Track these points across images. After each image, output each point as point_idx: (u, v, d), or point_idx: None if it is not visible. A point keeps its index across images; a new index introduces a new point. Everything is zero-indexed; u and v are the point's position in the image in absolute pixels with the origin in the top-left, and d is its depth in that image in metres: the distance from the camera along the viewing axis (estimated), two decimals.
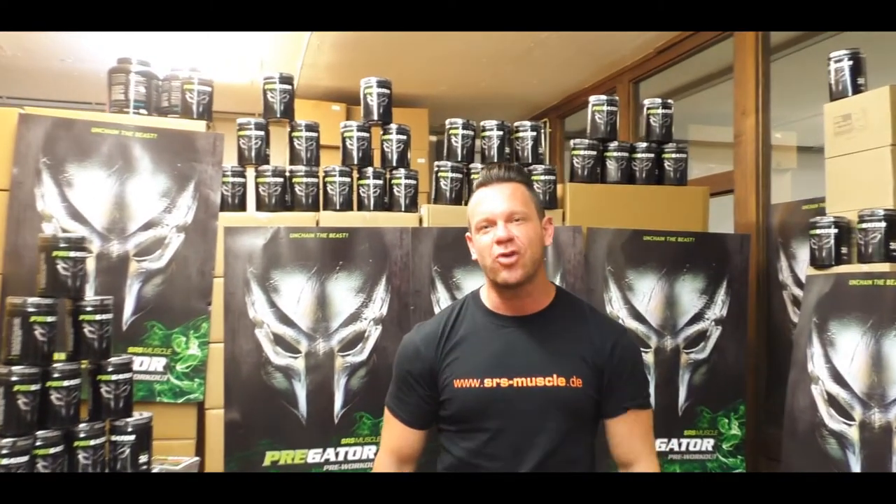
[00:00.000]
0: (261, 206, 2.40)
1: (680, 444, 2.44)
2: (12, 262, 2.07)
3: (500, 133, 2.59)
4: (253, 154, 2.43)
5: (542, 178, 2.49)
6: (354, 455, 2.26)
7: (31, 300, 1.78)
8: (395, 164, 2.51)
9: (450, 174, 2.50)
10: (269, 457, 2.21)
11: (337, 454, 2.25)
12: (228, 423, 2.20)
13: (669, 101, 2.69)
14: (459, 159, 2.56)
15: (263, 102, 2.48)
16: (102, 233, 2.17)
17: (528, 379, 1.58)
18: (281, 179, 2.41)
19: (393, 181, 2.48)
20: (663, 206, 2.55)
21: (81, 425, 1.83)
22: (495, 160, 2.57)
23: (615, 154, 2.60)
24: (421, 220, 2.41)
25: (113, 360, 1.92)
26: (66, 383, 1.79)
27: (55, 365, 1.80)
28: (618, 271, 2.42)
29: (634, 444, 1.64)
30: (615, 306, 2.41)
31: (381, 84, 2.54)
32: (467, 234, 1.69)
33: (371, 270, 2.29)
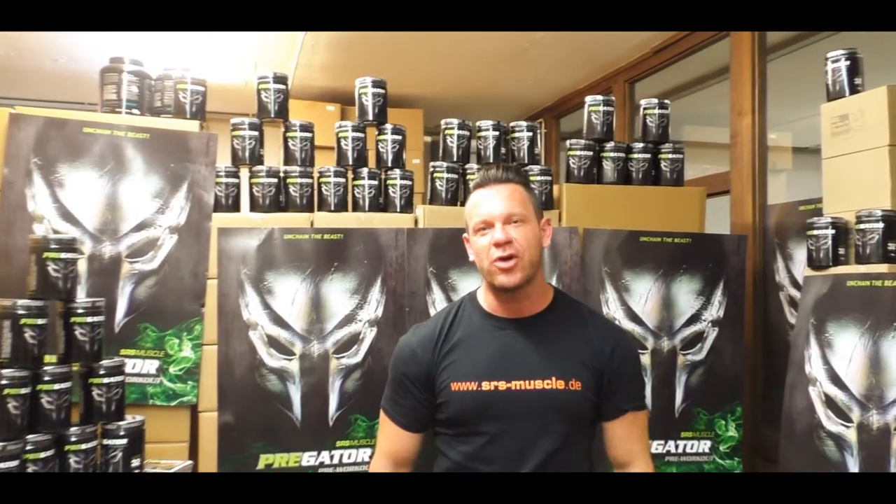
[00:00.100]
0: (255, 206, 2.38)
1: (677, 446, 2.43)
2: (2, 264, 2.05)
3: (496, 133, 2.58)
4: (247, 154, 2.41)
5: (539, 178, 2.48)
6: (349, 458, 2.24)
7: (21, 302, 1.75)
8: (390, 164, 2.50)
9: (445, 175, 2.48)
10: (263, 460, 2.19)
11: (332, 457, 2.24)
12: (222, 425, 2.18)
13: (666, 101, 2.68)
14: (455, 160, 2.55)
15: (257, 102, 2.46)
16: (94, 234, 2.15)
17: (527, 382, 1.57)
18: (275, 180, 2.39)
19: (388, 182, 2.47)
20: (660, 206, 2.54)
21: (72, 429, 1.81)
22: (491, 161, 2.56)
23: (612, 154, 2.59)
24: (416, 221, 2.40)
25: (105, 362, 1.90)
26: (56, 386, 1.77)
27: (46, 368, 1.78)
28: (614, 272, 2.41)
29: (632, 446, 1.62)
30: (611, 307, 2.40)
31: (376, 84, 2.52)
32: (464, 235, 1.67)
33: (366, 272, 2.28)
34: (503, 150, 2.60)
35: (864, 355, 1.89)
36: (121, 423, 1.89)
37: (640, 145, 2.61)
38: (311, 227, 2.30)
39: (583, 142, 2.58)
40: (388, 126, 2.51)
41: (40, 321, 1.77)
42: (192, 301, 2.21)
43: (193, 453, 2.18)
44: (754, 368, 2.72)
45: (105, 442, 1.87)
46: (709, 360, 2.46)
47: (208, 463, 2.17)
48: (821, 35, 2.97)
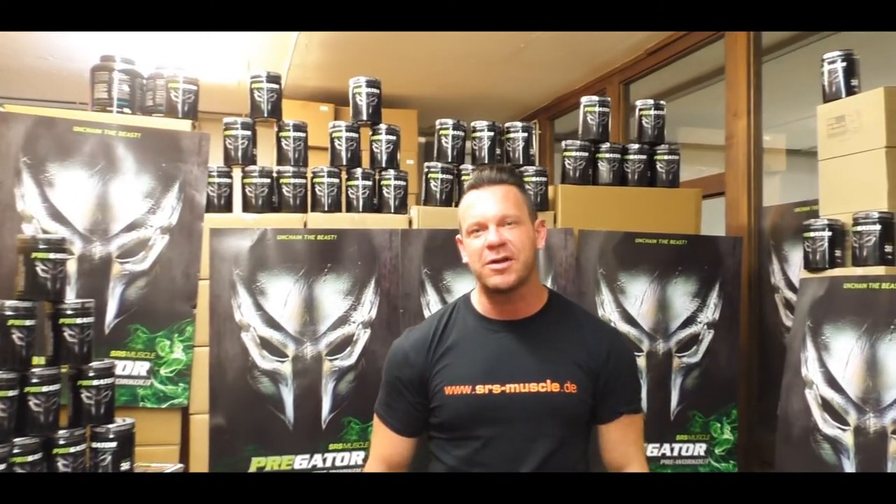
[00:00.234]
0: (247, 207, 2.36)
1: (672, 449, 2.42)
2: None
3: (491, 134, 2.56)
4: (239, 154, 2.39)
5: (534, 179, 2.46)
6: (342, 461, 2.22)
7: (8, 303, 1.73)
8: (384, 164, 2.48)
9: (440, 175, 2.47)
10: (255, 463, 2.17)
11: (324, 460, 2.21)
12: (213, 428, 2.16)
13: (662, 101, 2.67)
14: (450, 160, 2.53)
15: (250, 101, 2.44)
16: (84, 234, 2.12)
17: (521, 385, 1.55)
18: (268, 180, 2.37)
19: (382, 182, 2.45)
20: (655, 208, 2.53)
21: (61, 432, 1.79)
22: (486, 161, 2.55)
23: (607, 155, 2.57)
24: (410, 222, 2.38)
25: (94, 364, 1.88)
26: (44, 389, 1.75)
27: (34, 370, 1.76)
28: (610, 274, 2.39)
29: (627, 449, 1.61)
30: (607, 309, 2.38)
31: (370, 84, 2.50)
32: (458, 236, 1.65)
33: (360, 273, 2.26)
34: (498, 151, 2.59)
35: (860, 358, 1.88)
36: (110, 425, 1.87)
37: (636, 146, 2.60)
38: (305, 228, 2.28)
39: (578, 143, 2.56)
40: (383, 126, 2.49)
41: (28, 322, 1.75)
42: (184, 302, 2.18)
43: (184, 456, 2.16)
44: (749, 371, 2.71)
45: (94, 445, 1.85)
46: (704, 362, 2.44)
47: (200, 466, 2.14)
48: (813, 37, 2.98)
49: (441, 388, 1.58)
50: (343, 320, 2.24)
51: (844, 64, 2.10)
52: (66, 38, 3.47)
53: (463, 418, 1.56)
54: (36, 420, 1.74)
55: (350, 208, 2.41)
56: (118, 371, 2.04)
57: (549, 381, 1.55)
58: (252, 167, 2.37)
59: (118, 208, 2.16)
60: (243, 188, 2.36)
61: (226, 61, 3.80)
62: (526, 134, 2.59)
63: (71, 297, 1.98)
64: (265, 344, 2.20)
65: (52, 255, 1.82)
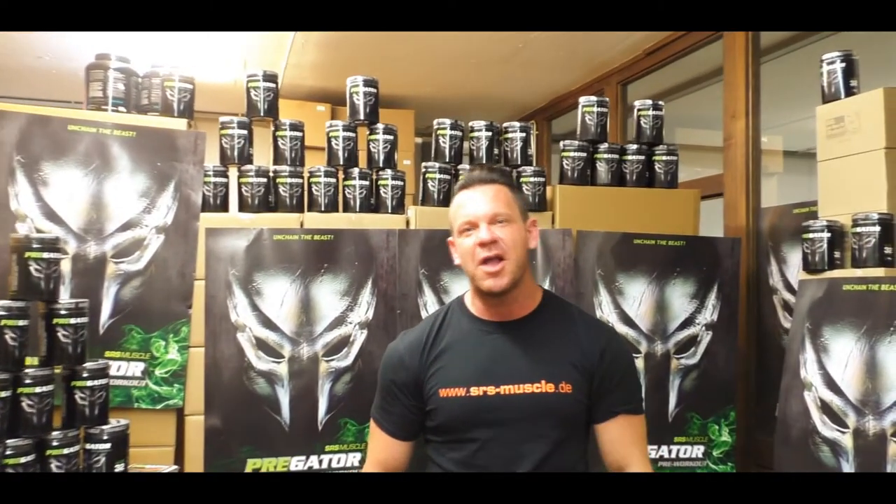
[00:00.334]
0: (243, 206, 2.34)
1: (670, 452, 2.41)
2: None
3: (489, 134, 2.55)
4: (235, 153, 2.37)
5: (532, 179, 2.45)
6: (338, 463, 2.21)
7: (1, 303, 1.71)
8: (381, 164, 2.46)
9: (437, 175, 2.46)
10: (251, 464, 2.15)
11: (321, 462, 2.20)
12: (209, 429, 2.14)
13: (660, 102, 2.66)
14: (447, 160, 2.52)
15: (247, 100, 2.43)
16: (79, 233, 2.10)
17: (516, 386, 1.54)
18: (264, 179, 2.36)
19: (379, 182, 2.44)
20: (654, 208, 2.52)
21: (54, 433, 1.77)
22: (484, 161, 2.54)
23: (605, 156, 2.56)
24: (408, 222, 2.37)
25: (88, 365, 1.86)
26: (38, 389, 1.73)
27: (27, 370, 1.74)
28: (608, 275, 2.38)
29: (626, 450, 1.58)
30: (605, 311, 2.37)
31: (367, 83, 2.49)
32: (449, 238, 1.64)
33: (357, 273, 2.24)
34: (496, 151, 2.58)
35: (860, 360, 1.87)
36: (104, 427, 1.85)
37: (635, 147, 2.59)
38: (301, 228, 2.27)
39: (576, 143, 2.55)
40: (380, 126, 2.48)
41: (21, 322, 1.73)
42: (179, 302, 2.17)
43: (179, 458, 2.14)
44: (748, 373, 2.70)
45: (88, 446, 1.83)
46: (702, 363, 2.44)
47: (195, 468, 2.13)
48: (808, 39, 2.97)
49: (436, 391, 1.57)
50: (340, 321, 2.23)
51: (844, 64, 2.10)
52: (63, 37, 3.45)
53: (458, 420, 1.55)
54: (29, 421, 1.72)
55: (347, 208, 2.40)
56: (112, 372, 2.02)
57: (543, 382, 1.54)
58: (248, 166, 2.36)
59: (113, 207, 2.14)
60: (239, 188, 2.35)
61: (222, 61, 3.78)
62: (524, 134, 2.58)
63: (65, 297, 1.96)
64: (261, 344, 2.18)
65: (45, 255, 1.80)
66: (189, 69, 2.37)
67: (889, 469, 1.77)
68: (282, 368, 2.19)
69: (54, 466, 1.75)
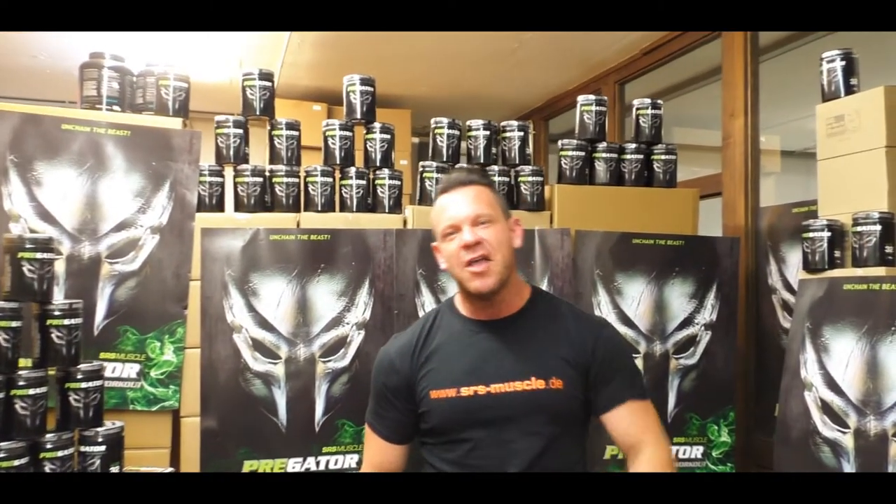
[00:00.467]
0: (239, 206, 2.32)
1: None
2: None
3: (487, 133, 2.54)
4: (231, 153, 2.36)
5: (530, 179, 2.44)
6: (336, 464, 2.19)
7: None
8: (378, 164, 2.45)
9: (435, 174, 2.44)
10: (248, 466, 2.14)
11: (318, 463, 2.18)
12: (205, 431, 2.12)
13: (659, 101, 2.65)
14: (445, 159, 2.50)
15: (242, 99, 2.41)
16: (73, 234, 2.08)
17: (506, 384, 1.52)
18: (260, 179, 2.34)
19: (376, 182, 2.42)
20: (652, 208, 2.51)
21: (48, 436, 1.75)
22: (482, 161, 2.53)
23: (604, 155, 2.55)
24: (405, 222, 2.35)
25: (82, 366, 1.85)
26: (31, 391, 1.71)
27: (20, 372, 1.72)
28: (606, 275, 2.37)
29: (637, 433, 1.53)
30: (604, 311, 2.36)
31: (364, 82, 2.47)
32: (433, 244, 1.63)
33: (354, 273, 2.23)
34: (494, 151, 2.56)
35: (861, 360, 1.86)
36: (99, 429, 1.84)
37: (633, 146, 2.58)
38: (298, 228, 2.25)
39: (575, 142, 2.54)
40: (377, 125, 2.47)
41: (14, 323, 1.71)
42: (175, 303, 2.15)
43: (175, 460, 2.13)
44: (747, 373, 2.69)
45: (82, 449, 1.82)
46: (701, 364, 2.42)
47: (190, 469, 2.11)
48: (806, 38, 2.96)
49: (427, 393, 1.56)
50: (337, 321, 2.21)
51: (843, 63, 2.09)
52: (57, 36, 3.43)
53: (450, 421, 1.54)
54: (22, 423, 1.70)
55: (344, 208, 2.38)
56: (107, 373, 2.01)
57: (533, 379, 1.52)
58: (244, 166, 2.34)
59: (107, 207, 2.12)
60: (235, 187, 2.33)
61: (218, 59, 3.76)
62: (522, 133, 2.57)
63: (59, 298, 1.95)
64: (257, 345, 2.17)
65: (38, 255, 1.78)
66: (184, 68, 2.35)
67: (890, 469, 1.76)
68: (278, 369, 2.17)
69: (48, 469, 1.74)
